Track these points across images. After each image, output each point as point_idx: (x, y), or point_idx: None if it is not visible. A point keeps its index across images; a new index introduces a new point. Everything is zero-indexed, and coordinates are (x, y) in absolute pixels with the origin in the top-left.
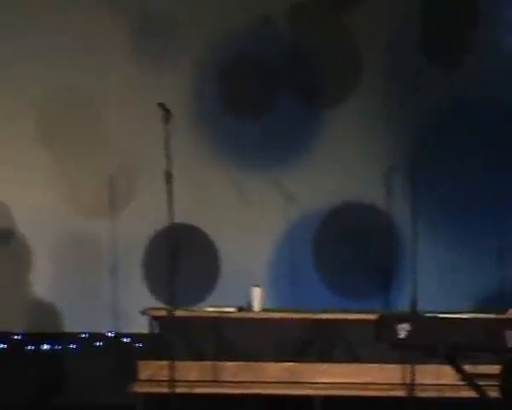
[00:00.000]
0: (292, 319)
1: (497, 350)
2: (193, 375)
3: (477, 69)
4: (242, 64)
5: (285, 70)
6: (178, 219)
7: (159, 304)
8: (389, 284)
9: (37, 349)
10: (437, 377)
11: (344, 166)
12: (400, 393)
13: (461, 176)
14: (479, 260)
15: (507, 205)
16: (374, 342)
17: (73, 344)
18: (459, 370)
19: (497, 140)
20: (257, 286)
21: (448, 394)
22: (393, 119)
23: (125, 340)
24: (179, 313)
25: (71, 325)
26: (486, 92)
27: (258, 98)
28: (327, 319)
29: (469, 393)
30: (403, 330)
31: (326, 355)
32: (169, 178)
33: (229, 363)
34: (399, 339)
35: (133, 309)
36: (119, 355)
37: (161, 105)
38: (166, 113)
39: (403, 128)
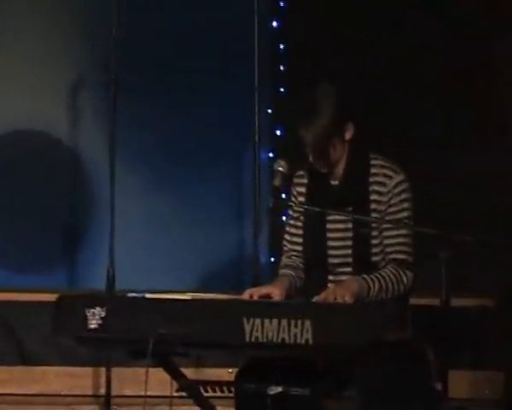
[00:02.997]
0: None
1: (231, 346)
2: None
3: None
4: None
5: None
6: None
7: None
8: (75, 251)
9: None
10: (143, 386)
11: (10, 79)
12: (90, 408)
13: (179, 101)
14: (206, 221)
15: (244, 144)
16: (51, 335)
17: None
18: (176, 375)
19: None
20: None
21: (159, 409)
22: (93, 16)
23: None
24: None
25: None
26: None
27: None
28: None
29: (190, 408)
30: (94, 317)
31: None
32: None
33: None
34: (89, 330)
35: None
36: None
37: None
38: None
39: (98, 28)
